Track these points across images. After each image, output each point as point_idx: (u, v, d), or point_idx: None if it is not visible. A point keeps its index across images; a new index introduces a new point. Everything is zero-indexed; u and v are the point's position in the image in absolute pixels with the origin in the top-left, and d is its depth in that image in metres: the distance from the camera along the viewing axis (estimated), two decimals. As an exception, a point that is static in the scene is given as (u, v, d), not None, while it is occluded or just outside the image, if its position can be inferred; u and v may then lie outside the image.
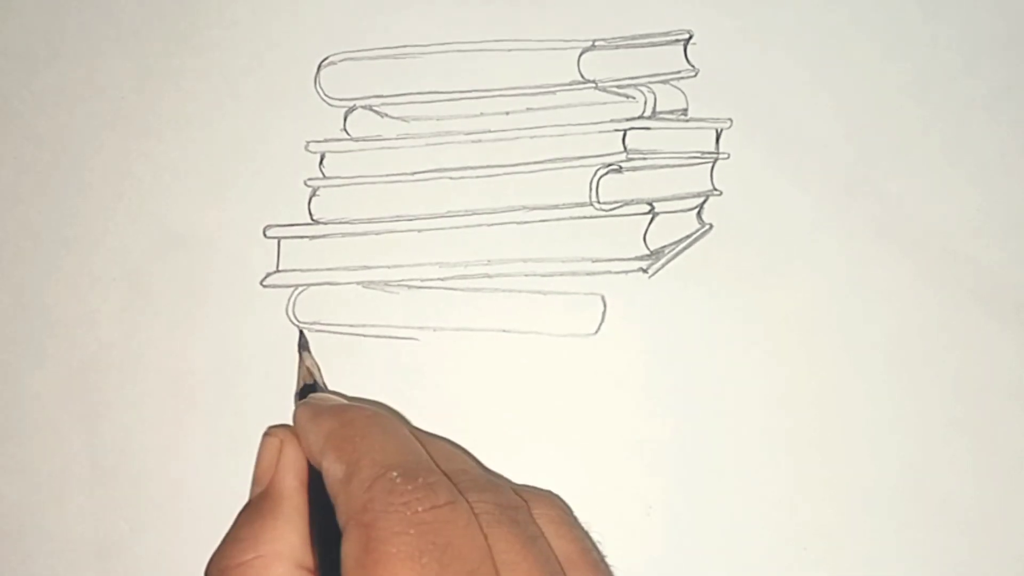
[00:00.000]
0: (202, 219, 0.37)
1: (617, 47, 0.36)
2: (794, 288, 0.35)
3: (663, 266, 0.35)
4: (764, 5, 0.36)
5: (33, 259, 0.38)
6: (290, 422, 0.34)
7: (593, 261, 0.35)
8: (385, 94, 0.36)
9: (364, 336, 0.36)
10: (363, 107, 0.37)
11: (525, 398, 0.35)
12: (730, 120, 0.35)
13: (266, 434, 0.30)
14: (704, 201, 0.35)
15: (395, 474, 0.25)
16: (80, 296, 0.37)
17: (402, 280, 0.36)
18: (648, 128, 0.35)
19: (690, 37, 0.36)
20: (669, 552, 0.34)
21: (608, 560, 0.30)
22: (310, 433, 0.28)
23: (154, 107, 0.38)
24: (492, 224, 0.36)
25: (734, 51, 0.36)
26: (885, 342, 0.34)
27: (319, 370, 0.34)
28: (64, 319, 0.37)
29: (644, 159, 0.35)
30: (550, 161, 0.35)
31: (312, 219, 0.37)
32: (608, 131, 0.35)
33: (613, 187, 0.35)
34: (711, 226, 0.35)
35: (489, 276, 0.36)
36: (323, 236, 0.36)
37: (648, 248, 0.35)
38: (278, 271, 0.37)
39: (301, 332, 0.35)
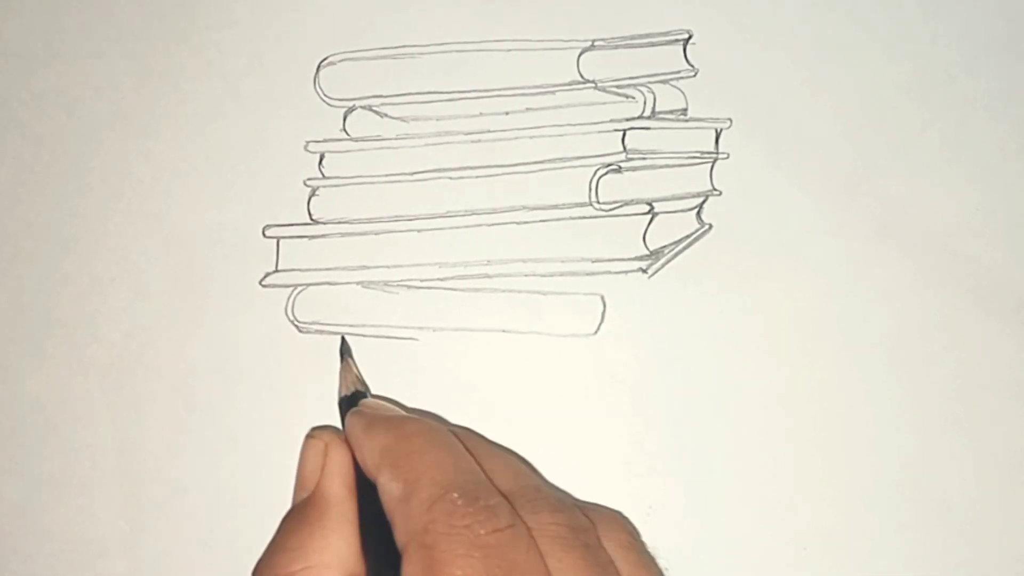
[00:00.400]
0: (202, 219, 0.37)
1: (617, 47, 0.36)
2: (794, 288, 0.35)
3: (663, 266, 0.35)
4: (764, 5, 0.36)
5: (33, 259, 0.38)
6: (290, 422, 0.34)
7: (593, 261, 0.35)
8: (384, 94, 0.36)
9: (364, 336, 0.36)
10: (363, 107, 0.37)
11: (525, 398, 0.35)
12: (730, 120, 0.35)
13: (309, 436, 0.30)
14: (704, 201, 0.35)
15: (455, 495, 0.25)
16: (80, 296, 0.37)
17: (402, 280, 0.36)
18: (648, 128, 0.35)
19: (690, 37, 0.36)
20: (669, 552, 0.34)
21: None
22: (364, 446, 0.28)
23: (154, 107, 0.38)
24: (492, 224, 0.36)
25: (734, 51, 0.36)
26: (885, 342, 0.34)
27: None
28: (64, 319, 0.37)
29: (644, 159, 0.35)
30: (550, 161, 0.35)
31: (311, 219, 0.37)
32: (608, 131, 0.35)
33: (613, 187, 0.35)
34: (711, 226, 0.35)
35: (489, 276, 0.36)
36: (322, 236, 0.36)
37: (648, 248, 0.35)
38: (277, 271, 0.37)
39: (343, 338, 0.35)
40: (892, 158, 0.35)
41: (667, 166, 0.35)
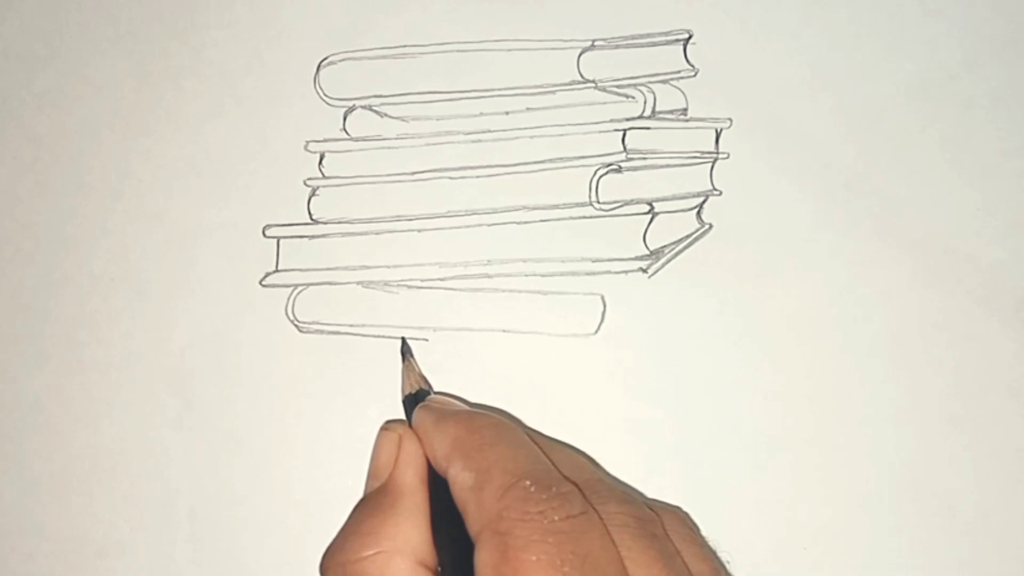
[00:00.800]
0: (202, 219, 0.37)
1: (617, 47, 0.36)
2: (794, 287, 0.35)
3: (663, 266, 0.35)
4: (764, 5, 0.36)
5: (33, 259, 0.38)
6: (290, 422, 0.34)
7: (593, 261, 0.35)
8: (385, 94, 0.36)
9: (364, 336, 0.36)
10: (363, 107, 0.37)
11: (525, 398, 0.35)
12: (730, 120, 0.35)
13: (384, 429, 0.30)
14: (704, 201, 0.35)
15: (528, 483, 0.25)
16: (80, 296, 0.37)
17: (402, 280, 0.36)
18: (648, 128, 0.35)
19: (690, 37, 0.36)
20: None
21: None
22: (435, 438, 0.28)
23: (154, 107, 0.38)
24: (492, 224, 0.36)
25: (734, 51, 0.36)
26: (885, 341, 0.34)
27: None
28: (64, 319, 0.37)
29: (644, 159, 0.35)
30: (550, 161, 0.35)
31: (312, 219, 0.37)
32: (608, 131, 0.35)
33: (613, 187, 0.35)
34: (711, 226, 0.35)
35: (489, 276, 0.36)
36: (323, 236, 0.36)
37: (648, 248, 0.35)
38: (277, 271, 0.37)
39: (404, 339, 0.35)
40: (892, 158, 0.35)
41: (667, 166, 0.35)
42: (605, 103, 0.35)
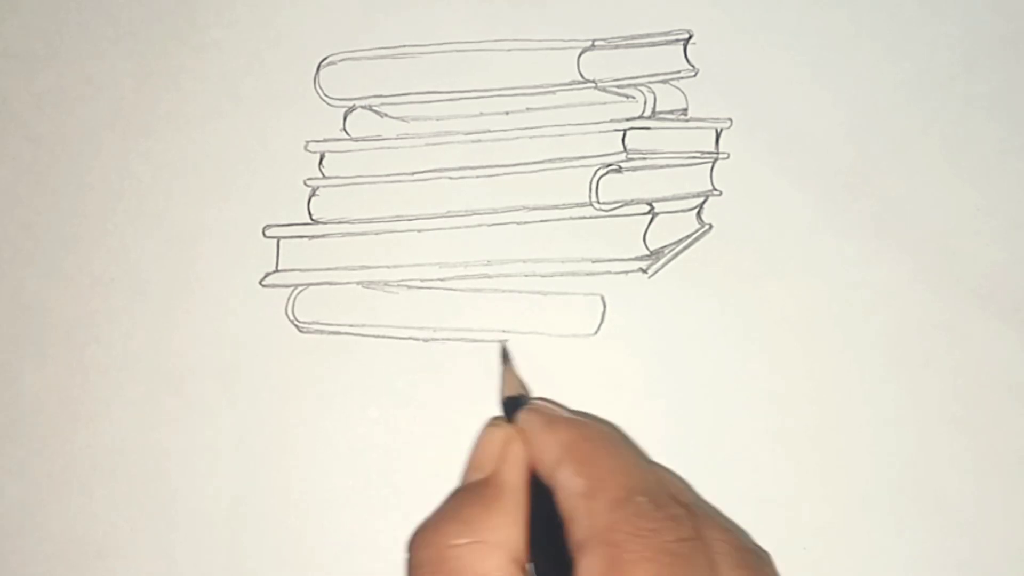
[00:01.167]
0: (202, 219, 0.37)
1: (617, 47, 0.36)
2: (794, 288, 0.35)
3: (663, 266, 0.35)
4: (764, 5, 0.36)
5: (33, 259, 0.38)
6: (290, 422, 0.34)
7: (593, 261, 0.35)
8: (385, 94, 0.36)
9: (364, 336, 0.36)
10: (363, 107, 0.37)
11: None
12: (730, 120, 0.35)
13: (491, 424, 0.30)
14: (704, 201, 0.35)
15: (643, 499, 0.25)
16: (80, 296, 0.37)
17: (402, 280, 0.36)
18: (648, 128, 0.35)
19: (690, 37, 0.36)
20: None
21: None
22: (545, 441, 0.28)
23: (154, 107, 0.38)
24: (492, 224, 0.36)
25: (734, 51, 0.36)
26: (884, 341, 0.34)
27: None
28: (64, 319, 0.37)
29: (644, 159, 0.35)
30: (550, 161, 0.35)
31: (312, 219, 0.37)
32: (608, 131, 0.35)
33: (613, 187, 0.35)
34: (711, 226, 0.35)
35: (489, 276, 0.36)
36: (323, 236, 0.36)
37: (648, 248, 0.35)
38: (277, 271, 0.37)
39: (503, 345, 0.34)
40: (892, 158, 0.35)
41: (667, 166, 0.35)
42: (605, 103, 0.35)
